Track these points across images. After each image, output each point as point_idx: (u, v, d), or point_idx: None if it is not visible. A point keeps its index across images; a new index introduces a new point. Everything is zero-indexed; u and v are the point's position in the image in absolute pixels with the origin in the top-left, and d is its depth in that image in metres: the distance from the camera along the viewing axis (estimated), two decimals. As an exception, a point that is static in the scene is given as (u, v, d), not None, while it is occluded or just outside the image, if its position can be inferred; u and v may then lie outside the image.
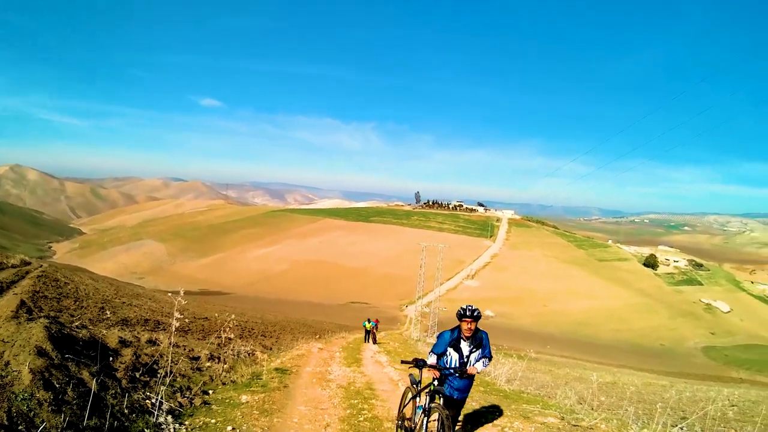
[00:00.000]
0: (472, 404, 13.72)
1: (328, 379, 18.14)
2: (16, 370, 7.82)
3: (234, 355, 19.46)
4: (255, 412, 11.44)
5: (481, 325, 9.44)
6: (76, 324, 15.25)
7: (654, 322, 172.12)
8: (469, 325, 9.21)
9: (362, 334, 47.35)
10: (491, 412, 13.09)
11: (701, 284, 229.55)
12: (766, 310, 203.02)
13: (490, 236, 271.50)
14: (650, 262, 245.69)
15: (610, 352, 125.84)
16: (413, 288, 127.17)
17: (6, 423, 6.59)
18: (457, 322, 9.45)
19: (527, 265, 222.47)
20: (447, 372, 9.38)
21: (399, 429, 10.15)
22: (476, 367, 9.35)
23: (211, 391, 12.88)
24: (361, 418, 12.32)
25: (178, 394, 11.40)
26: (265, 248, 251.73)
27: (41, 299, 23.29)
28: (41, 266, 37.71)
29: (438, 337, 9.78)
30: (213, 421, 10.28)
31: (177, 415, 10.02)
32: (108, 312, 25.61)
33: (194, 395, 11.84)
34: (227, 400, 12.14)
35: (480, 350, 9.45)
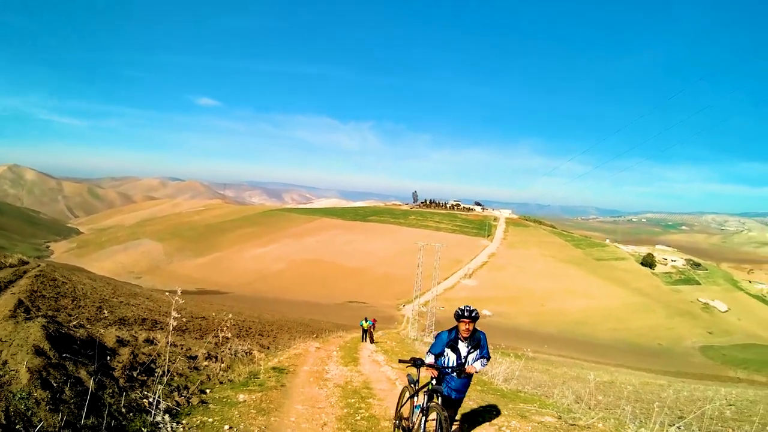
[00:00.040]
0: (469, 403, 13.73)
1: (326, 378, 18.14)
2: (13, 370, 7.83)
3: (231, 354, 19.48)
4: (252, 411, 11.45)
5: (479, 324, 9.43)
6: (74, 323, 15.26)
7: (651, 322, 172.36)
8: (467, 326, 9.16)
9: (359, 334, 47.32)
10: (488, 411, 13.11)
11: (699, 283, 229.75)
12: (763, 310, 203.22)
13: (488, 235, 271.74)
14: (648, 262, 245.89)
15: (607, 351, 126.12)
16: (410, 287, 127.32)
17: (4, 422, 6.59)
18: (455, 323, 9.40)
19: (525, 264, 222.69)
20: (445, 371, 9.35)
21: (396, 429, 10.12)
22: (474, 366, 9.31)
23: (208, 390, 12.89)
24: (358, 417, 12.32)
25: (176, 393, 11.40)
26: (262, 247, 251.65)
27: (39, 299, 23.28)
28: (39, 266, 37.71)
29: (435, 338, 9.75)
30: (210, 420, 10.29)
31: (174, 414, 10.03)
32: (105, 311, 25.62)
33: (191, 394, 11.84)
34: (224, 399, 12.15)
35: (478, 351, 9.41)
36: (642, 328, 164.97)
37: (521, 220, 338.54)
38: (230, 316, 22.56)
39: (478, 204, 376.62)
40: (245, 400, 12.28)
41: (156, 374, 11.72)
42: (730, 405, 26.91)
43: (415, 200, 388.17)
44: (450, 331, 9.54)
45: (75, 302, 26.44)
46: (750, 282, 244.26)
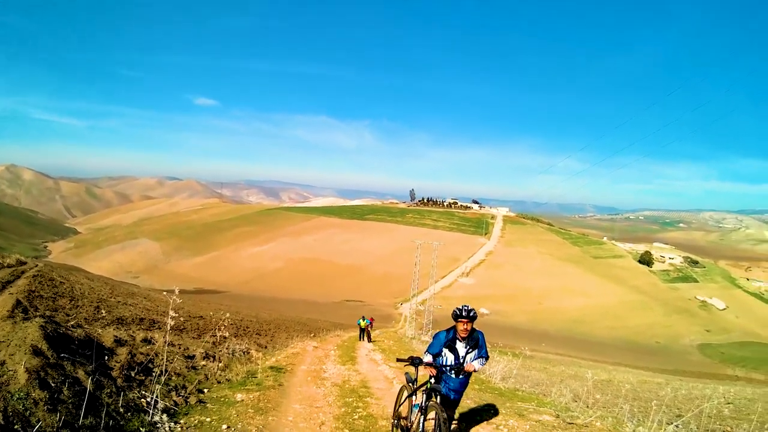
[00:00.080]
0: (467, 402, 13.74)
1: (323, 377, 18.14)
2: (11, 370, 7.84)
3: (229, 353, 19.47)
4: (250, 410, 11.45)
5: (476, 323, 9.38)
6: (72, 323, 15.25)
7: (649, 320, 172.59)
8: (465, 326, 9.12)
9: (357, 333, 47.39)
10: (486, 410, 13.13)
11: (696, 281, 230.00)
12: (761, 307, 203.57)
13: (485, 234, 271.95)
14: (645, 259, 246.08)
15: (605, 349, 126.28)
16: (408, 286, 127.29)
17: (2, 422, 6.60)
18: (452, 321, 9.34)
19: (522, 262, 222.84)
20: (444, 369, 9.31)
21: (395, 428, 10.07)
22: (473, 364, 9.26)
23: (206, 390, 12.89)
24: (356, 416, 12.33)
25: (174, 393, 11.41)
26: (259, 246, 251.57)
27: (37, 299, 23.27)
28: (37, 266, 37.64)
29: (433, 338, 9.70)
30: (208, 419, 10.29)
31: (172, 414, 10.03)
32: (103, 311, 25.62)
33: (189, 394, 11.84)
34: (222, 399, 12.15)
35: (476, 350, 9.37)
36: (640, 326, 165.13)
37: (518, 218, 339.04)
38: (228, 315, 22.57)
39: (475, 202, 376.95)
40: (243, 400, 12.28)
41: (154, 374, 11.71)
42: (729, 403, 26.98)
43: (413, 199, 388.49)
44: (448, 330, 9.48)
45: (73, 302, 26.43)
46: (748, 279, 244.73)
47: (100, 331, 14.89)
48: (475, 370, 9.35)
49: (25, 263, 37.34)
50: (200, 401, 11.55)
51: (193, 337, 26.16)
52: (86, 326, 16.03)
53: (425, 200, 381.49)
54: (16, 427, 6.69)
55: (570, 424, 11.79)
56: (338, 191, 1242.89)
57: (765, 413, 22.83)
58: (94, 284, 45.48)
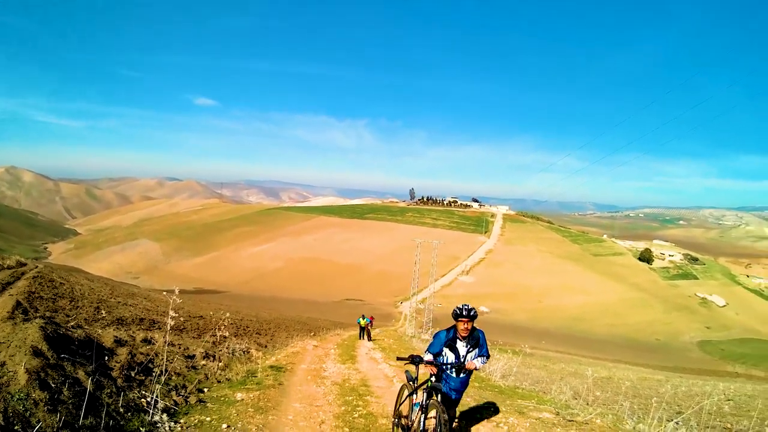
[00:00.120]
0: (467, 400, 13.76)
1: (323, 376, 18.17)
2: (12, 371, 7.85)
3: (229, 353, 19.48)
4: (250, 409, 11.47)
5: (476, 321, 9.31)
6: (72, 324, 15.25)
7: (649, 317, 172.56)
8: (465, 325, 9.07)
9: (357, 331, 47.45)
10: (486, 408, 13.15)
11: (696, 278, 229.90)
12: (761, 304, 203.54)
13: (485, 232, 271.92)
14: (645, 257, 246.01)
15: (605, 347, 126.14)
16: (408, 284, 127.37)
17: (2, 423, 6.62)
18: (452, 319, 9.30)
19: (522, 260, 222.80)
20: (444, 367, 9.27)
21: (395, 427, 10.03)
22: (474, 363, 9.22)
23: (206, 389, 12.90)
24: (356, 415, 12.36)
25: (174, 393, 11.42)
26: (259, 246, 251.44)
27: (37, 300, 23.27)
28: (37, 267, 37.63)
29: (434, 337, 9.65)
30: (208, 419, 10.30)
31: (172, 414, 10.05)
32: (103, 312, 25.61)
33: (189, 393, 11.85)
34: (222, 398, 12.16)
35: (477, 350, 9.35)
36: (640, 324, 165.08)
37: (518, 216, 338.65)
38: (228, 315, 22.57)
39: (475, 200, 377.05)
40: (243, 399, 12.29)
41: (154, 374, 11.73)
42: (729, 400, 26.96)
43: (412, 197, 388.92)
44: (448, 330, 9.44)
45: (73, 303, 26.43)
46: (748, 276, 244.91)
47: (100, 331, 14.89)
48: (476, 368, 9.31)
49: (25, 264, 37.32)
50: (200, 401, 11.56)
51: (193, 337, 26.15)
52: (86, 327, 16.02)
53: (425, 199, 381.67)
54: (16, 427, 6.70)
55: (570, 421, 11.80)
56: (338, 191, 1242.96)
57: (765, 410, 22.84)
58: (94, 285, 45.48)
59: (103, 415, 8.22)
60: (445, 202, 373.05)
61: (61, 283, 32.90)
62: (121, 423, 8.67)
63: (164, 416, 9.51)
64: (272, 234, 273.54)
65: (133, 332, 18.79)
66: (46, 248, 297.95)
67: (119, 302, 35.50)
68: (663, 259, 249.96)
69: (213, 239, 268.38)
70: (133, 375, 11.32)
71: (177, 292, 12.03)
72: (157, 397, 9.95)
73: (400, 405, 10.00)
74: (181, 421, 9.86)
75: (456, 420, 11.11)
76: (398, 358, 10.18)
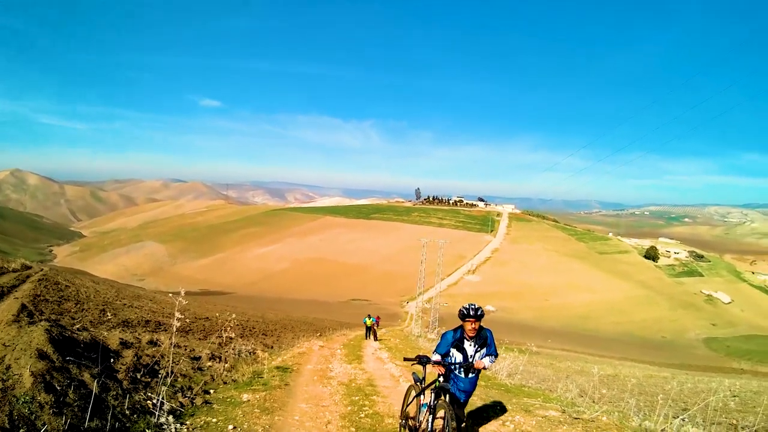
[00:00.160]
0: (473, 399, 13.73)
1: (329, 376, 18.14)
2: (17, 374, 7.87)
3: (235, 354, 19.50)
4: (256, 410, 11.46)
5: (482, 320, 9.20)
6: (77, 326, 15.31)
7: (655, 314, 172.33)
8: (472, 325, 8.94)
9: (363, 331, 47.38)
10: (493, 407, 13.14)
11: (702, 275, 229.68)
12: (766, 301, 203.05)
13: (491, 231, 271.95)
14: (651, 254, 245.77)
15: (611, 344, 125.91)
16: (414, 284, 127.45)
17: (7, 426, 6.63)
18: (459, 318, 9.18)
19: (528, 259, 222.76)
20: (453, 367, 9.15)
21: (403, 428, 9.89)
22: (483, 362, 9.07)
23: (212, 391, 12.90)
24: (363, 415, 12.34)
25: (180, 394, 11.42)
26: (265, 247, 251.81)
27: (42, 303, 23.32)
28: (42, 270, 37.76)
29: (441, 337, 9.50)
30: (214, 420, 10.29)
31: (178, 415, 10.04)
32: (109, 314, 25.65)
33: (195, 395, 11.86)
34: (228, 399, 12.16)
35: (485, 349, 9.22)
36: (645, 321, 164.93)
37: (524, 215, 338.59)
38: (234, 316, 22.68)
39: (481, 200, 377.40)
40: (249, 400, 12.29)
41: (160, 375, 11.73)
42: (734, 396, 26.92)
43: (418, 197, 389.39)
44: (455, 330, 9.29)
45: (78, 305, 26.48)
46: (753, 273, 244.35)
47: (105, 333, 14.92)
48: (484, 368, 9.15)
49: (30, 267, 37.46)
50: (206, 402, 11.55)
51: (199, 339, 26.17)
52: (92, 329, 16.07)
53: (431, 198, 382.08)
54: (21, 430, 6.71)
55: (576, 419, 11.78)
56: (344, 191, 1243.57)
57: (772, 406, 22.78)
58: (99, 287, 45.54)
59: (109, 418, 8.23)
60: (450, 202, 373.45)
61: (66, 285, 32.99)
62: (127, 425, 8.67)
63: (170, 418, 9.49)
64: (278, 235, 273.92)
65: (139, 334, 18.80)
66: (51, 251, 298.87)
67: (125, 304, 35.55)
68: (668, 257, 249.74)
69: (219, 240, 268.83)
70: (139, 377, 11.34)
71: (183, 293, 12.06)
72: (163, 398, 9.95)
73: (407, 406, 9.92)
74: (188, 422, 9.85)
75: (464, 421, 11.07)
76: (405, 359, 10.01)
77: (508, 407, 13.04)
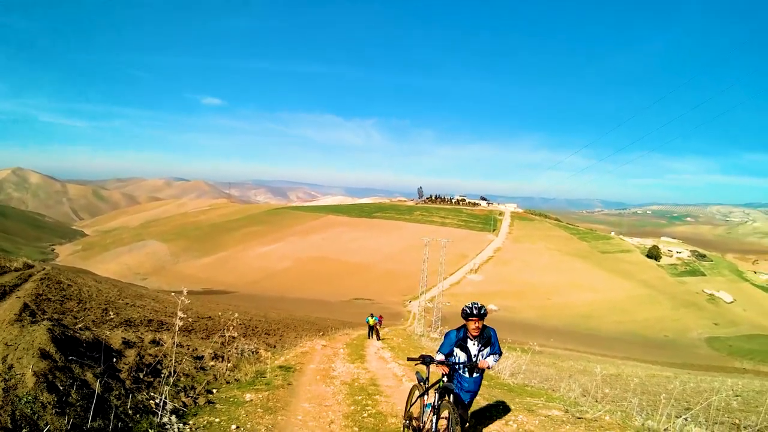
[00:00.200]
0: (476, 398, 13.73)
1: (332, 375, 18.15)
2: (19, 373, 7.85)
3: (238, 353, 19.51)
4: (259, 410, 11.46)
5: (485, 319, 9.12)
6: (80, 326, 15.31)
7: (657, 314, 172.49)
8: (476, 324, 8.86)
9: (366, 331, 47.39)
10: (495, 406, 13.09)
11: (704, 275, 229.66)
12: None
13: (493, 230, 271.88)
14: (653, 254, 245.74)
15: (613, 344, 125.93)
16: (416, 283, 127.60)
17: (10, 426, 6.61)
18: (461, 317, 9.10)
19: (530, 258, 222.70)
20: (457, 367, 9.06)
21: (406, 429, 9.78)
22: (487, 361, 9.03)
23: (215, 390, 12.89)
24: (365, 414, 12.32)
25: (182, 394, 11.41)
26: (267, 246, 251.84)
27: (44, 302, 23.31)
28: (44, 269, 37.73)
29: (444, 337, 9.43)
30: (217, 420, 10.28)
31: (181, 415, 10.03)
32: (111, 313, 25.62)
33: (198, 394, 11.85)
34: (231, 399, 12.16)
35: (489, 348, 9.16)
36: (648, 320, 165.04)
37: (526, 214, 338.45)
38: (236, 315, 22.57)
39: (483, 199, 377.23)
40: (252, 400, 12.29)
41: (162, 375, 11.73)
42: (737, 396, 26.85)
43: (421, 196, 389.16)
44: (458, 329, 9.21)
45: (80, 305, 26.49)
46: (755, 272, 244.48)
47: (108, 333, 14.91)
48: (488, 367, 9.09)
49: (32, 267, 37.45)
50: (209, 402, 11.55)
51: (202, 338, 26.19)
52: (94, 329, 16.08)
53: (433, 197, 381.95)
54: (24, 430, 6.69)
55: (579, 418, 11.76)
56: (346, 190, 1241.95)
57: (775, 406, 22.74)
58: (101, 286, 45.56)
59: (112, 417, 8.22)
60: (453, 201, 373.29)
61: (68, 284, 32.99)
62: (130, 425, 8.66)
63: (173, 417, 9.48)
64: (280, 234, 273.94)
65: (142, 334, 18.79)
66: (53, 250, 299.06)
67: (127, 303, 35.56)
68: (671, 256, 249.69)
69: (221, 239, 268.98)
70: (141, 377, 11.33)
71: (185, 292, 12.04)
72: (165, 398, 9.95)
73: (411, 406, 9.78)
74: (190, 422, 9.83)
75: (468, 421, 11.01)
76: (409, 359, 9.93)
77: (511, 406, 13.00)
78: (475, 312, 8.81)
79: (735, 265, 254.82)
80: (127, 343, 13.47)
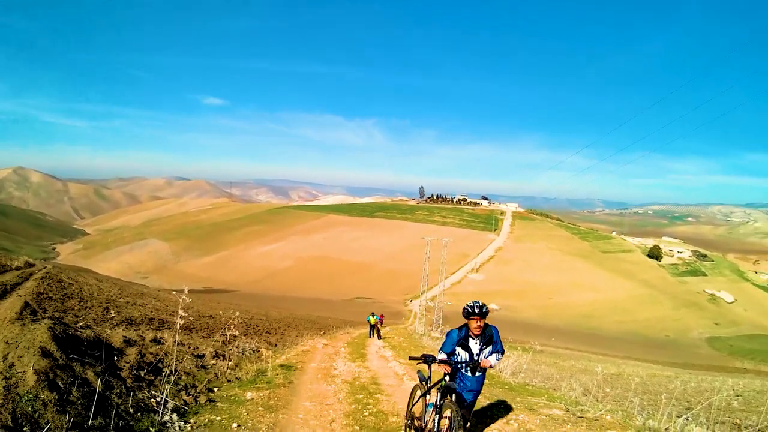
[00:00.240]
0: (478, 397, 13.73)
1: (333, 374, 18.17)
2: (20, 372, 7.86)
3: (239, 352, 19.48)
4: (260, 408, 11.47)
5: (487, 318, 9.12)
6: (81, 324, 15.28)
7: (658, 313, 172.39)
8: (477, 323, 8.82)
9: (367, 330, 47.37)
10: (496, 405, 13.08)
11: (705, 275, 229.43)
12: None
13: (495, 229, 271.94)
14: (654, 253, 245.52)
15: (614, 343, 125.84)
16: (417, 282, 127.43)
17: (11, 424, 6.61)
18: (462, 316, 9.06)
19: (531, 257, 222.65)
20: (459, 366, 9.04)
21: (408, 428, 9.68)
22: (489, 360, 8.98)
23: (216, 389, 12.90)
24: (366, 413, 12.32)
25: (183, 392, 11.42)
26: (269, 245, 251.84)
27: (45, 300, 23.32)
28: (45, 268, 37.70)
29: (446, 336, 9.39)
30: (218, 418, 10.30)
31: (182, 413, 10.03)
32: (112, 312, 25.64)
33: (199, 393, 11.85)
34: (232, 397, 12.17)
35: (491, 347, 9.12)
36: (649, 320, 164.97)
37: (528, 213, 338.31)
38: (237, 314, 22.60)
39: (484, 198, 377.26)
40: (253, 398, 12.30)
41: (163, 373, 11.73)
42: (738, 396, 26.84)
43: (422, 195, 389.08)
44: (460, 328, 9.17)
45: (82, 303, 26.48)
46: (756, 273, 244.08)
47: (109, 331, 14.91)
48: (491, 366, 9.02)
49: (33, 265, 37.42)
50: (210, 400, 11.56)
51: (203, 337, 26.17)
52: (95, 327, 16.05)
53: (434, 197, 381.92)
54: (25, 429, 6.69)
55: (580, 417, 11.75)
56: (347, 189, 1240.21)
57: (776, 405, 22.72)
58: (102, 285, 45.56)
59: (113, 416, 8.22)
60: (454, 200, 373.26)
61: (69, 283, 32.98)
62: (131, 423, 8.66)
63: (174, 416, 9.49)
64: (282, 233, 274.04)
65: (143, 332, 18.81)
66: (54, 249, 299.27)
67: (128, 302, 35.56)
68: (672, 256, 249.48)
69: (222, 238, 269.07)
70: (142, 375, 11.33)
71: (186, 291, 12.02)
72: (166, 396, 9.95)
73: (413, 406, 9.72)
74: (191, 420, 9.84)
75: (469, 420, 10.97)
76: (411, 358, 9.80)
77: (512, 406, 13.00)
78: (476, 311, 8.75)
79: (736, 265, 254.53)
80: (128, 342, 13.46)
